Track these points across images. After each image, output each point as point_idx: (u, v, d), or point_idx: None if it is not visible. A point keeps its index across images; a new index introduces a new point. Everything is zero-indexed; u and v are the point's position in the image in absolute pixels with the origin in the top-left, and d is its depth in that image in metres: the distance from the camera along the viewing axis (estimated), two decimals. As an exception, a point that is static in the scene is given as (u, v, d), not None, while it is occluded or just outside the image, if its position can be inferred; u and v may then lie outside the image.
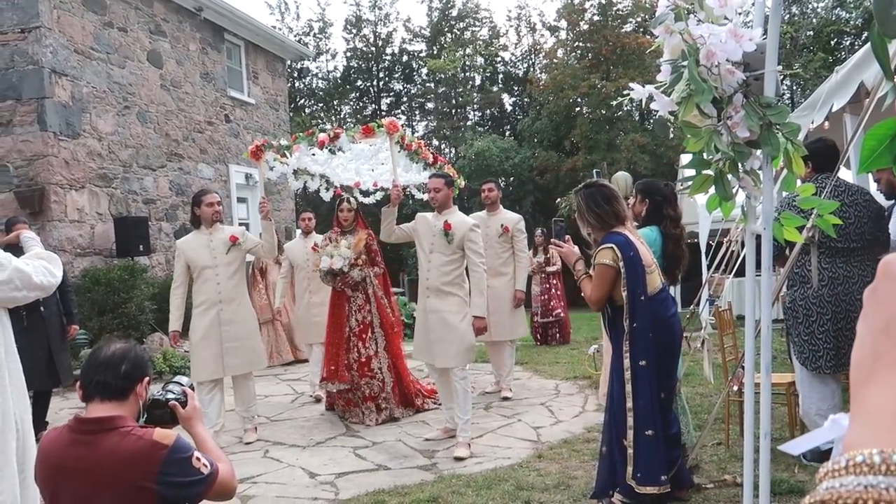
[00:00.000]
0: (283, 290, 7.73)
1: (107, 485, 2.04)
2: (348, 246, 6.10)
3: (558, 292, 10.61)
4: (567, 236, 4.01)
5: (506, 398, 6.80)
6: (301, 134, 6.36)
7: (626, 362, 3.65)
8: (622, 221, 3.77)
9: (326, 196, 7.66)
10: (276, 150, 6.30)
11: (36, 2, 9.31)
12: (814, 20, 21.88)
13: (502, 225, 6.72)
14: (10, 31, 9.39)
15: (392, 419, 6.15)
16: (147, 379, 2.24)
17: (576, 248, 3.93)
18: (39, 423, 6.09)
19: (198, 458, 2.12)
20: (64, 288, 6.27)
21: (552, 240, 3.99)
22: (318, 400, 7.18)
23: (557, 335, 10.55)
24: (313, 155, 6.61)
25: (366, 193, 7.72)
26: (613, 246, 3.64)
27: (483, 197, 7.00)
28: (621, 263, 3.61)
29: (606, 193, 3.79)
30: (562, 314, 10.56)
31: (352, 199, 6.49)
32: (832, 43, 21.46)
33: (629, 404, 3.64)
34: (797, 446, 0.65)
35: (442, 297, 5.22)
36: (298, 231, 7.80)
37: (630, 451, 3.64)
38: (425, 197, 7.70)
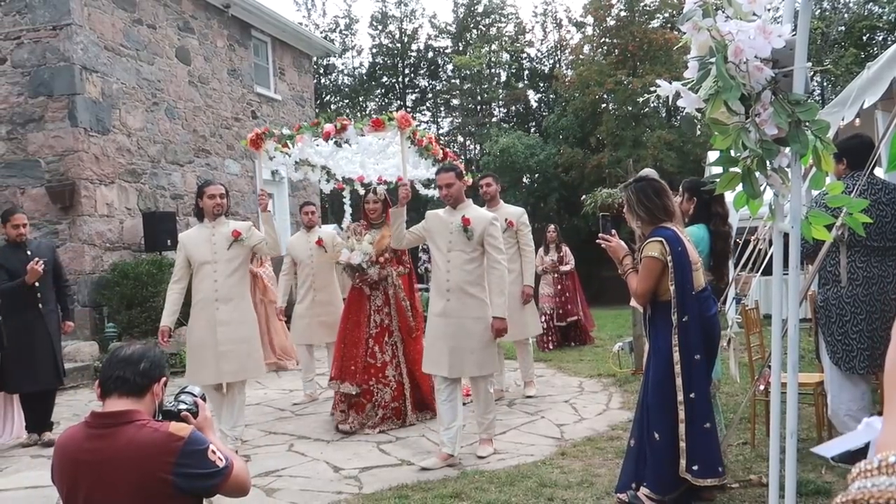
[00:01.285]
0: (285, 289, 7.26)
1: (123, 476, 2.07)
2: (371, 241, 5.79)
3: (569, 294, 9.90)
4: (613, 230, 3.97)
5: (530, 396, 6.72)
6: (305, 124, 6.03)
7: (676, 356, 3.64)
8: (671, 217, 3.76)
9: (326, 188, 7.28)
10: (277, 139, 5.94)
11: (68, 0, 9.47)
12: (845, 15, 21.54)
13: (506, 220, 6.37)
14: (43, 28, 9.54)
15: (407, 425, 5.85)
16: (164, 380, 2.29)
17: (623, 243, 3.91)
18: (44, 423, 5.89)
19: (213, 452, 2.15)
20: (60, 283, 6.14)
21: (600, 234, 3.92)
22: (312, 399, 7.02)
23: (576, 338, 9.97)
24: (317, 146, 6.26)
25: (367, 185, 7.31)
26: (662, 239, 3.63)
27: (482, 192, 6.63)
28: (669, 258, 3.60)
29: (657, 187, 3.79)
30: (577, 318, 9.86)
31: (379, 190, 6.15)
32: (864, 38, 21.10)
33: (680, 398, 3.63)
34: (831, 449, 0.65)
35: (463, 300, 4.83)
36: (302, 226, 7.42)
37: (682, 444, 3.63)
38: (431, 193, 7.52)
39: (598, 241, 3.89)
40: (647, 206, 3.75)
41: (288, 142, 5.91)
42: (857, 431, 0.59)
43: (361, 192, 6.72)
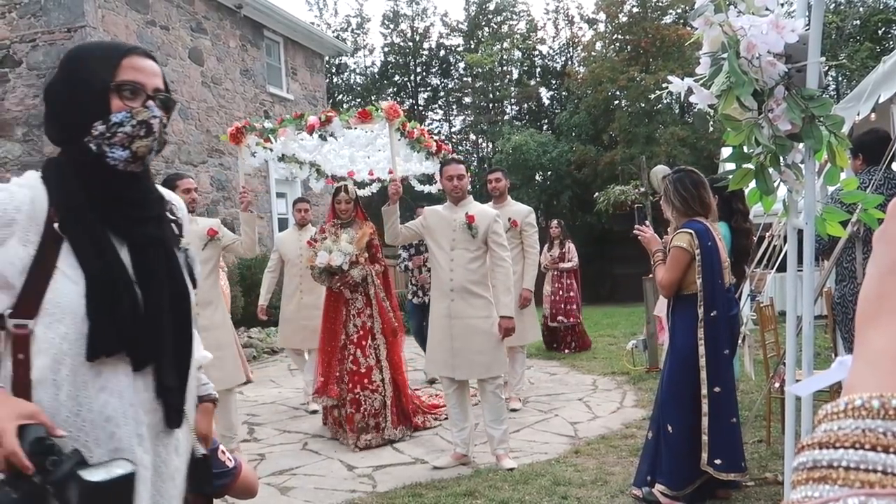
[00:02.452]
0: (269, 287, 6.74)
1: None
2: (350, 240, 5.41)
3: (573, 294, 9.27)
4: (647, 222, 4.00)
5: (514, 409, 6.12)
6: (288, 117, 5.71)
7: (701, 349, 3.65)
8: (707, 211, 3.78)
9: (316, 186, 6.92)
10: (258, 133, 5.57)
11: (81, 2, 9.53)
12: (860, 9, 21.34)
13: (510, 219, 6.01)
14: (57, 30, 9.62)
15: (387, 441, 5.40)
16: None
17: (657, 235, 3.95)
18: None
19: (223, 452, 2.17)
20: None
21: (636, 226, 3.99)
22: (313, 412, 6.43)
23: (573, 344, 9.25)
24: (301, 140, 5.91)
25: (361, 185, 7.00)
26: (692, 232, 3.66)
27: (490, 188, 6.26)
28: (697, 250, 3.61)
29: (695, 179, 3.82)
30: (573, 320, 9.24)
31: (350, 188, 5.73)
32: (879, 32, 20.91)
33: (704, 391, 3.65)
34: (805, 387, 0.64)
35: (468, 300, 4.65)
36: (292, 222, 6.95)
37: (705, 437, 3.64)
38: (427, 188, 7.33)
39: (634, 232, 3.94)
40: (683, 195, 3.77)
41: (270, 136, 5.59)
42: (830, 370, 0.59)
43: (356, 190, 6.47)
